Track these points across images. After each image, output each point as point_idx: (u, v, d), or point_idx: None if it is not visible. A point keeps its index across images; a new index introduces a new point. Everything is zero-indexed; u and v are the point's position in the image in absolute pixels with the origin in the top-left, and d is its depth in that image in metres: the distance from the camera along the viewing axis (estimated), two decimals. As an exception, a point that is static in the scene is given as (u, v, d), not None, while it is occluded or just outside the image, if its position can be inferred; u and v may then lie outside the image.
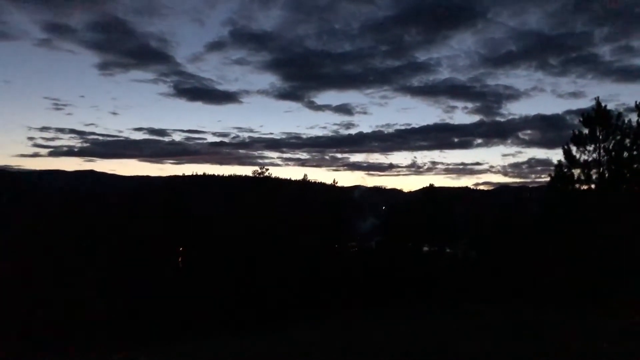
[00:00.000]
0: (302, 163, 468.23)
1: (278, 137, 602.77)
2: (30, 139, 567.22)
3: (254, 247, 35.63)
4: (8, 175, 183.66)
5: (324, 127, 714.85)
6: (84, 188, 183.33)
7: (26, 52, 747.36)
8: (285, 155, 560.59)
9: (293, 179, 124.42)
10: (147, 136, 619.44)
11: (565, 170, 26.97)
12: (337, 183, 54.54)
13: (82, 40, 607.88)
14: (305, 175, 50.87)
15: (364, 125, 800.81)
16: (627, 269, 23.02)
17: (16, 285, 29.57)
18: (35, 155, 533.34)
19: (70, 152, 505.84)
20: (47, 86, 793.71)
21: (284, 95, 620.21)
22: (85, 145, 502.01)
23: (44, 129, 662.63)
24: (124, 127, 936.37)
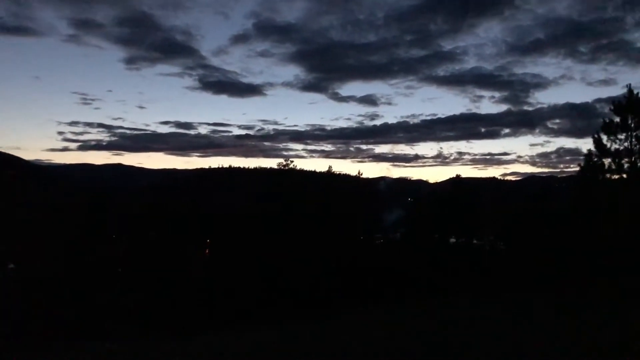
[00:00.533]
0: (326, 155, 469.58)
1: (302, 129, 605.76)
2: (60, 133, 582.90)
3: (280, 240, 35.83)
4: (40, 169, 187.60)
5: (349, 119, 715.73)
6: (112, 181, 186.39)
7: (55, 48, 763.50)
8: (309, 147, 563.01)
9: (318, 170, 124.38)
10: (173, 129, 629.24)
11: (596, 159, 26.39)
12: (362, 174, 54.36)
13: (109, 35, 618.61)
14: (330, 167, 50.56)
15: (389, 116, 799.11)
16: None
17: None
18: (65, 149, 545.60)
19: (98, 145, 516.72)
20: (75, 81, 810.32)
21: (308, 87, 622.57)
22: (113, 139, 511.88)
23: (73, 123, 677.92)
24: (151, 120, 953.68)
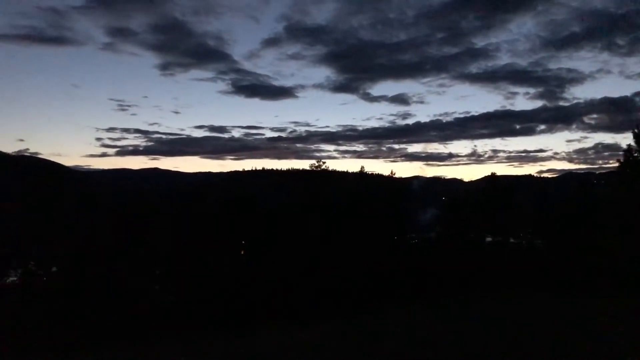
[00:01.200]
0: (358, 155, 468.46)
1: (334, 130, 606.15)
2: (98, 139, 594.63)
3: (315, 241, 36.00)
4: (80, 174, 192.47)
5: (380, 118, 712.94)
6: (150, 185, 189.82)
7: (92, 56, 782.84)
8: (341, 148, 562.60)
9: (350, 171, 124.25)
10: (207, 133, 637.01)
11: (636, 154, 25.74)
12: (394, 174, 54.05)
13: (143, 42, 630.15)
14: (362, 167, 50.58)
15: (421, 114, 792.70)
16: None
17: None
18: (103, 155, 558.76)
19: (135, 151, 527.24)
20: (112, 88, 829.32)
21: (339, 87, 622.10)
22: (149, 144, 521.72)
23: (110, 129, 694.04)
24: (186, 125, 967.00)
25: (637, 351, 10.25)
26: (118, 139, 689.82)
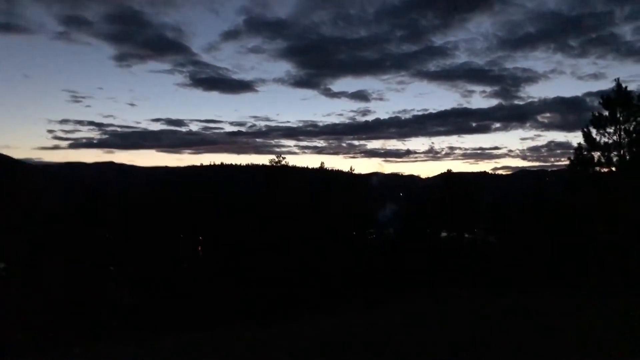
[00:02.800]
0: (319, 151, 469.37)
1: (295, 125, 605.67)
2: (50, 131, 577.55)
3: (271, 237, 35.92)
4: (30, 167, 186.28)
5: (341, 115, 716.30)
6: (104, 180, 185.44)
7: (44, 45, 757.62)
8: (302, 144, 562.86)
9: (310, 167, 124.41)
10: (164, 127, 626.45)
11: (585, 153, 26.64)
12: (354, 170, 54.47)
13: (98, 33, 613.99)
14: (322, 163, 50.69)
15: (381, 111, 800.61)
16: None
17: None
18: (56, 147, 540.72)
19: (89, 144, 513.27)
20: (65, 79, 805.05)
21: (299, 83, 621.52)
22: (104, 137, 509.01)
23: (63, 121, 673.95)
24: (142, 118, 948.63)
25: (583, 344, 10.63)
26: (71, 132, 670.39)
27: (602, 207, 25.79)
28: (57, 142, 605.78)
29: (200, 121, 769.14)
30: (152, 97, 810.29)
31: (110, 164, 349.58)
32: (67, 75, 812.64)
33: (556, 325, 13.08)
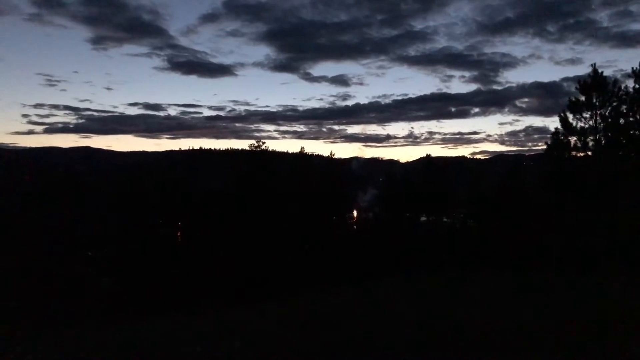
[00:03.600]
0: (299, 136, 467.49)
1: (274, 110, 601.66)
2: (25, 116, 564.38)
3: (252, 222, 35.87)
4: (5, 152, 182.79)
5: (321, 99, 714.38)
6: (81, 165, 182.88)
7: (17, 27, 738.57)
8: (282, 128, 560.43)
9: (290, 151, 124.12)
10: (142, 111, 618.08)
11: (562, 137, 27.01)
12: (334, 155, 54.56)
13: (73, 15, 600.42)
14: (302, 147, 50.49)
15: (361, 96, 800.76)
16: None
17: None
18: (30, 132, 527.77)
19: (65, 128, 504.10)
20: (39, 62, 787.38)
21: (279, 67, 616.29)
22: (80, 121, 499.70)
23: (38, 105, 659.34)
24: (119, 102, 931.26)
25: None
26: (46, 116, 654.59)
27: (574, 192, 26.25)
28: (32, 126, 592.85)
29: (179, 106, 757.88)
30: (129, 81, 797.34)
31: (87, 148, 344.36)
32: (41, 58, 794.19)
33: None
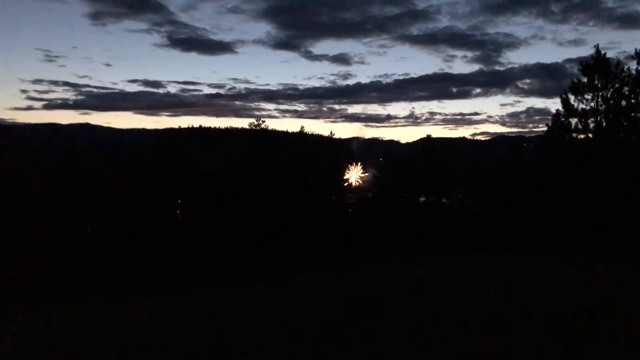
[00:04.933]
0: (299, 115, 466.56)
1: (275, 89, 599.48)
2: (24, 91, 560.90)
3: (251, 200, 35.93)
4: (3, 128, 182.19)
5: (322, 78, 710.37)
6: (80, 141, 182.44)
7: (14, 2, 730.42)
8: (282, 107, 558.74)
9: (290, 131, 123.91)
10: (142, 88, 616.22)
11: (563, 119, 26.89)
12: (334, 135, 54.39)
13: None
14: (302, 127, 50.26)
15: (362, 75, 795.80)
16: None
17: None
18: (29, 108, 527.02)
19: (64, 105, 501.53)
20: (38, 37, 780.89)
21: (280, 44, 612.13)
22: (79, 97, 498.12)
23: (36, 81, 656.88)
24: (118, 79, 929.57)
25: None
26: (45, 92, 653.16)
27: (575, 173, 26.24)
28: (30, 102, 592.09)
29: (178, 83, 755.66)
30: (128, 58, 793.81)
31: (87, 125, 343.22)
32: (40, 33, 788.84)
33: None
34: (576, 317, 9.66)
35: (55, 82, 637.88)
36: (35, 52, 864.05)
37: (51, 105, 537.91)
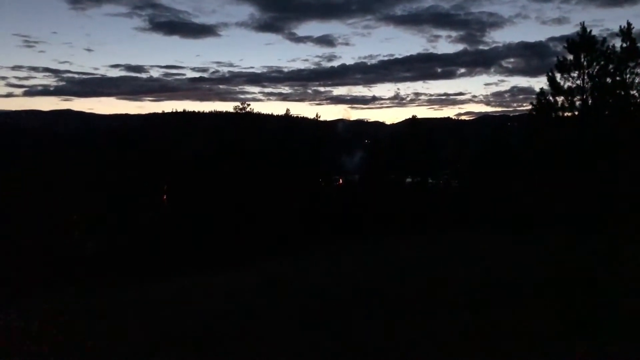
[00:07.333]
0: (284, 97, 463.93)
1: (259, 71, 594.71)
2: (3, 78, 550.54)
3: (238, 184, 35.64)
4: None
5: (306, 60, 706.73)
6: (62, 128, 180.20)
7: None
8: (266, 90, 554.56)
9: (275, 114, 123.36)
10: (124, 73, 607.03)
11: (549, 97, 26.76)
12: (319, 117, 54.06)
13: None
14: (287, 110, 49.99)
15: (347, 57, 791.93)
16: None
17: None
18: (9, 95, 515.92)
19: (45, 91, 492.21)
20: (16, 22, 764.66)
21: (263, 27, 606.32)
22: (60, 83, 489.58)
23: (16, 67, 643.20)
24: (100, 64, 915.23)
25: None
26: (25, 78, 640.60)
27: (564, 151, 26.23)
28: (10, 89, 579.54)
29: (161, 67, 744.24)
30: (110, 42, 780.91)
31: (68, 111, 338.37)
32: (17, 18, 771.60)
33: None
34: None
35: (35, 68, 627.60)
36: (14, 37, 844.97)
37: (32, 91, 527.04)
